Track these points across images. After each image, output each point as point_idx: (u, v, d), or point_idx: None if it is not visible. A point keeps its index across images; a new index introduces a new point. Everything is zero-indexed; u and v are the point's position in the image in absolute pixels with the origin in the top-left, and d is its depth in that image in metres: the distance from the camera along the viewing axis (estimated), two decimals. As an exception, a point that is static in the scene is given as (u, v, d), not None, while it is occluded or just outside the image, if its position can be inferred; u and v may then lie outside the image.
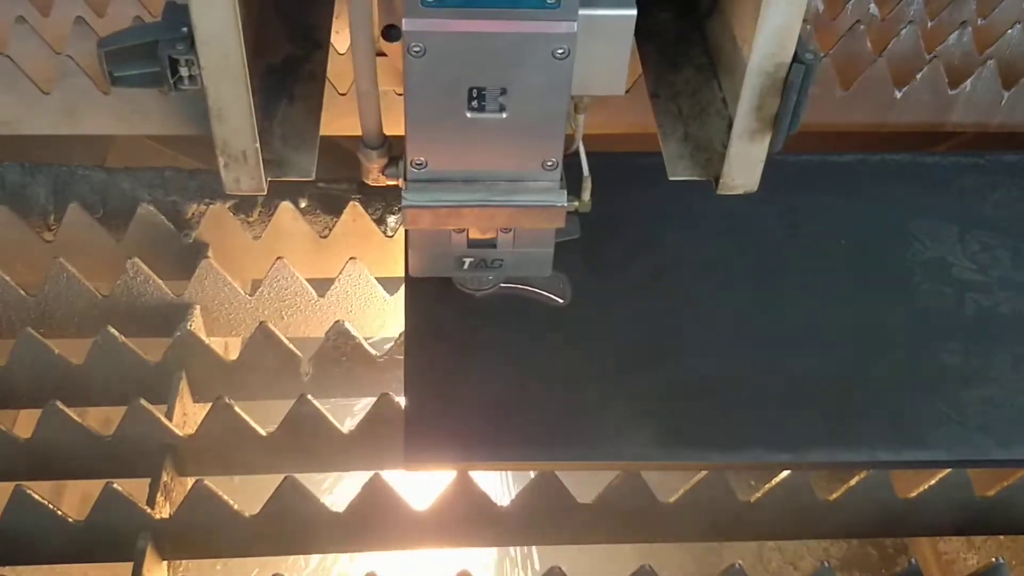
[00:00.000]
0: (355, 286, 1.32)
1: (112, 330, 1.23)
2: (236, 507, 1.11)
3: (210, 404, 1.16)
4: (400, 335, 1.23)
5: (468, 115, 0.84)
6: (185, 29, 0.80)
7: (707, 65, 0.99)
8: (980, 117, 1.49)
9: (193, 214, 1.40)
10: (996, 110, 1.49)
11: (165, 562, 1.15)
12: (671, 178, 0.94)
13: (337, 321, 1.24)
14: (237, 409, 1.15)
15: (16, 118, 1.45)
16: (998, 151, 1.37)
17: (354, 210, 1.36)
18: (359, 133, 0.95)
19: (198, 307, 1.31)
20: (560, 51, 0.79)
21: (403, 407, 1.08)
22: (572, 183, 0.93)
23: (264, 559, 1.20)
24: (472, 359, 1.11)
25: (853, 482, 1.13)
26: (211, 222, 1.36)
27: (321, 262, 1.38)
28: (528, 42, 0.79)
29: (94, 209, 1.41)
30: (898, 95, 1.46)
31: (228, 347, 1.43)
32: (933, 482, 1.14)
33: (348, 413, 1.20)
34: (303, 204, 1.39)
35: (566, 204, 0.92)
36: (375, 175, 0.94)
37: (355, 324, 1.26)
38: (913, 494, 1.15)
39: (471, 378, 1.10)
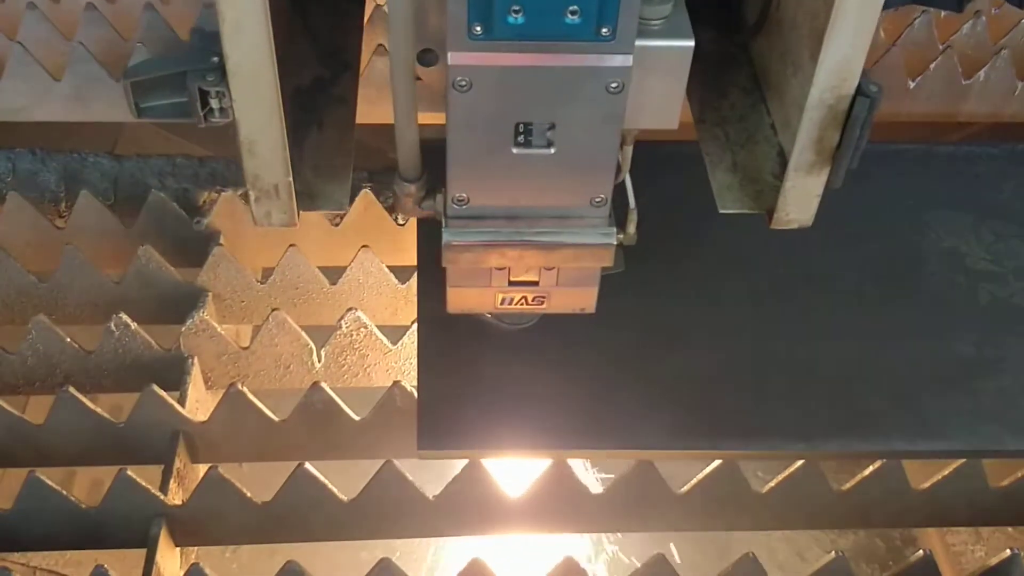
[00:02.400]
0: (367, 274, 1.32)
1: (124, 317, 1.23)
2: (249, 494, 1.11)
3: (223, 391, 1.16)
4: (413, 323, 1.23)
5: (514, 151, 0.80)
6: (216, 59, 0.76)
7: (753, 89, 0.95)
8: (994, 107, 1.49)
9: (204, 201, 1.40)
10: (1010, 100, 1.49)
11: (178, 549, 1.15)
12: (721, 211, 0.90)
13: (349, 309, 1.24)
14: (250, 396, 1.15)
15: (27, 105, 1.45)
16: (1012, 141, 1.37)
17: (366, 198, 1.36)
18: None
19: (210, 294, 1.30)
20: (614, 85, 0.75)
21: (416, 395, 1.08)
22: (616, 215, 0.89)
23: (275, 546, 1.20)
24: (486, 346, 1.10)
25: (867, 472, 1.13)
26: (223, 210, 1.36)
27: (333, 250, 1.38)
28: (581, 76, 0.75)
29: (105, 196, 1.41)
30: (911, 85, 1.45)
31: (240, 334, 1.42)
32: (947, 472, 1.14)
33: (360, 400, 1.20)
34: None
35: (615, 242, 0.88)
36: (410, 208, 0.89)
37: (367, 312, 1.26)
38: (926, 484, 1.15)
39: (485, 366, 1.09)
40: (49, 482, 1.09)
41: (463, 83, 0.75)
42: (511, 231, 0.86)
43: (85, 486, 1.51)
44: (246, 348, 1.27)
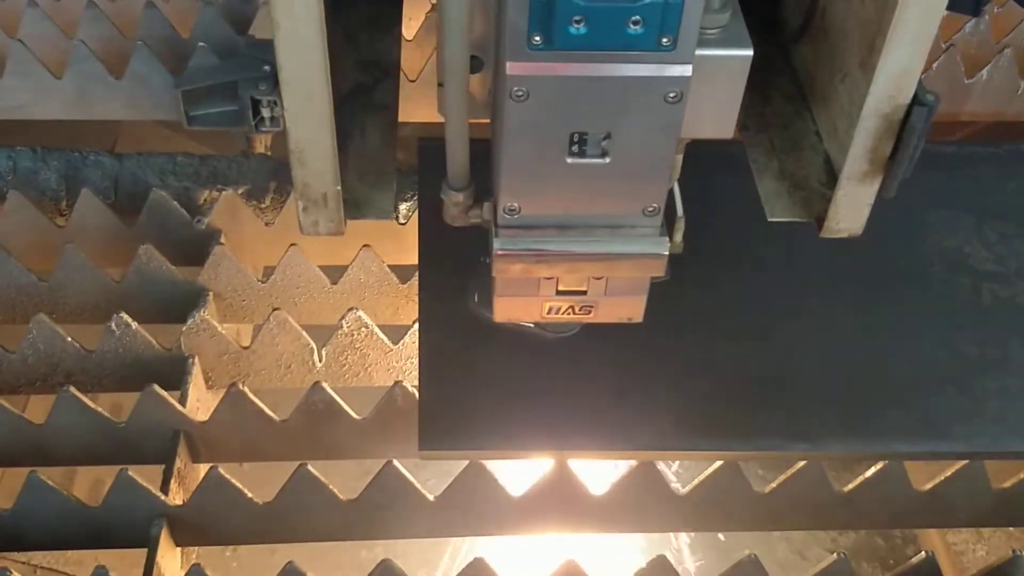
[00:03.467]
0: (368, 273, 1.32)
1: (125, 316, 1.22)
2: (250, 495, 1.10)
3: (223, 391, 1.16)
4: (414, 323, 1.23)
5: (568, 160, 0.79)
6: (267, 68, 0.76)
7: (797, 95, 0.94)
8: (996, 106, 1.49)
9: (205, 200, 1.40)
10: (1013, 99, 1.49)
11: (179, 549, 1.15)
12: (770, 219, 0.89)
13: (350, 308, 1.24)
14: (251, 395, 1.15)
15: (28, 103, 1.45)
16: (1015, 140, 1.37)
17: (367, 197, 1.35)
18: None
19: (211, 294, 1.30)
20: (672, 95, 0.74)
21: (417, 395, 1.08)
22: None
23: (276, 546, 1.20)
24: (487, 347, 1.10)
25: (868, 473, 1.12)
26: (223, 209, 1.36)
27: (334, 249, 1.38)
28: (640, 86, 0.74)
29: (106, 195, 1.40)
30: (914, 84, 1.45)
31: (240, 334, 1.42)
32: (949, 473, 1.14)
33: (361, 400, 1.20)
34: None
35: (667, 253, 0.86)
36: (457, 216, 0.88)
37: (368, 312, 1.26)
38: (929, 486, 1.14)
39: (486, 365, 1.09)
40: (49, 481, 1.09)
41: (520, 93, 0.74)
42: (563, 241, 0.85)
43: (86, 486, 1.51)
44: (247, 347, 1.27)
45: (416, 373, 1.10)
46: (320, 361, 1.28)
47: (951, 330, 1.15)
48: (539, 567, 1.08)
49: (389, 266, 1.32)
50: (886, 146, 0.82)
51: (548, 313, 0.95)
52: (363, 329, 1.25)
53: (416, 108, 1.46)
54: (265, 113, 0.80)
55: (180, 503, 1.12)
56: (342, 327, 1.25)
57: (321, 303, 1.34)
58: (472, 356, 1.10)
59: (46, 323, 1.22)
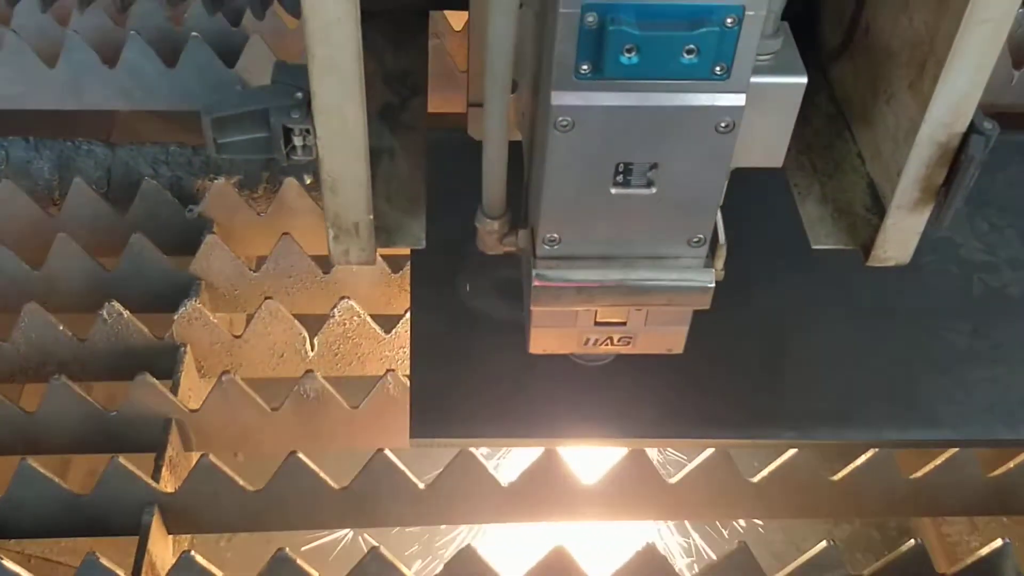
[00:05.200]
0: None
1: (117, 305, 1.22)
2: (241, 482, 1.11)
3: (215, 379, 1.16)
4: (406, 312, 1.23)
5: (612, 191, 0.75)
6: (300, 95, 0.73)
7: (836, 115, 0.90)
8: (990, 97, 1.47)
9: (198, 190, 1.40)
10: (1006, 90, 1.49)
11: (171, 537, 1.15)
12: (814, 247, 0.86)
13: (343, 298, 1.24)
14: (242, 384, 1.15)
15: (21, 92, 1.45)
16: (1008, 131, 1.36)
17: (360, 187, 1.35)
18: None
19: (203, 283, 1.30)
20: (724, 124, 0.71)
21: (409, 383, 1.08)
22: None
23: (270, 534, 1.21)
24: (479, 335, 1.10)
25: (859, 461, 1.13)
26: (215, 198, 1.36)
27: (326, 239, 1.38)
28: (691, 115, 0.71)
29: (98, 184, 1.40)
30: (907, 74, 1.44)
31: (233, 323, 1.42)
32: (939, 462, 1.14)
33: (353, 389, 1.20)
34: (308, 180, 1.38)
35: (713, 285, 0.83)
36: (493, 244, 0.85)
37: (360, 301, 1.26)
38: (919, 474, 1.15)
39: (478, 354, 1.09)
40: (41, 469, 1.09)
41: (565, 123, 0.71)
42: (604, 272, 0.82)
43: (80, 475, 1.51)
44: (239, 336, 1.27)
45: (408, 362, 1.10)
46: (312, 350, 1.28)
47: (942, 319, 1.15)
48: (529, 555, 1.08)
49: (381, 256, 1.32)
50: (939, 174, 0.78)
51: (586, 344, 0.92)
52: (355, 318, 1.25)
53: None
54: (297, 142, 0.77)
55: (172, 491, 1.12)
56: (334, 316, 1.25)
57: (313, 292, 1.34)
58: (463, 345, 1.10)
59: (38, 312, 1.22)
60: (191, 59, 1.45)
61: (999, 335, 1.14)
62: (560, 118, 0.70)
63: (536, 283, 0.82)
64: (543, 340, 0.94)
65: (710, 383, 1.09)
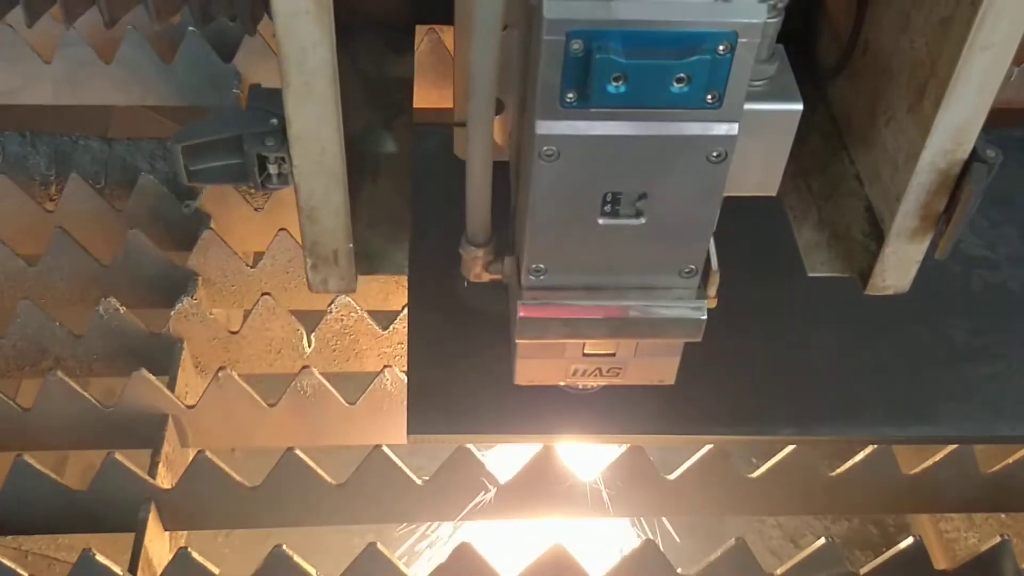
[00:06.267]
0: (358, 259, 1.32)
1: (113, 301, 1.22)
2: (238, 478, 1.10)
3: (212, 375, 1.16)
4: (403, 308, 1.23)
5: (600, 221, 0.73)
6: (275, 121, 0.71)
7: (833, 133, 0.87)
8: (989, 93, 1.48)
9: (194, 185, 1.39)
10: (1005, 86, 1.48)
11: (167, 533, 1.15)
12: (810, 275, 0.84)
13: (339, 293, 1.24)
14: (239, 380, 1.15)
15: (17, 87, 1.44)
16: (1006, 127, 1.36)
17: (357, 182, 1.35)
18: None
19: (200, 278, 1.30)
20: (716, 154, 0.68)
21: (406, 379, 1.08)
22: None
23: (267, 531, 1.20)
24: (477, 331, 1.10)
25: (858, 458, 1.12)
26: (212, 194, 1.35)
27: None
28: (681, 145, 0.68)
29: (95, 179, 1.40)
30: (907, 70, 1.44)
31: (230, 319, 1.42)
32: (938, 458, 1.14)
33: (350, 385, 1.20)
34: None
35: (705, 317, 0.80)
36: (477, 271, 0.82)
37: (358, 297, 1.26)
38: (917, 470, 1.15)
39: (476, 350, 1.09)
40: (37, 465, 1.09)
41: (550, 152, 0.68)
42: (592, 304, 0.79)
43: (77, 471, 1.51)
44: (236, 332, 1.26)
45: (405, 358, 1.10)
46: (309, 346, 1.28)
47: (941, 316, 1.15)
48: (526, 552, 1.07)
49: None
50: (939, 202, 0.76)
51: (574, 375, 0.90)
52: (352, 314, 1.25)
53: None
54: (272, 170, 0.73)
55: (168, 487, 1.11)
56: (331, 312, 1.25)
57: (311, 288, 1.34)
58: (461, 341, 1.10)
59: (34, 308, 1.22)
60: (188, 54, 1.45)
61: (998, 331, 1.14)
62: (545, 147, 0.68)
63: (521, 314, 0.79)
64: (530, 372, 0.91)
65: (709, 379, 1.09)
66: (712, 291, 0.81)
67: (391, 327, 1.27)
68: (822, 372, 1.10)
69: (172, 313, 1.24)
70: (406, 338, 1.12)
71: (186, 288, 1.27)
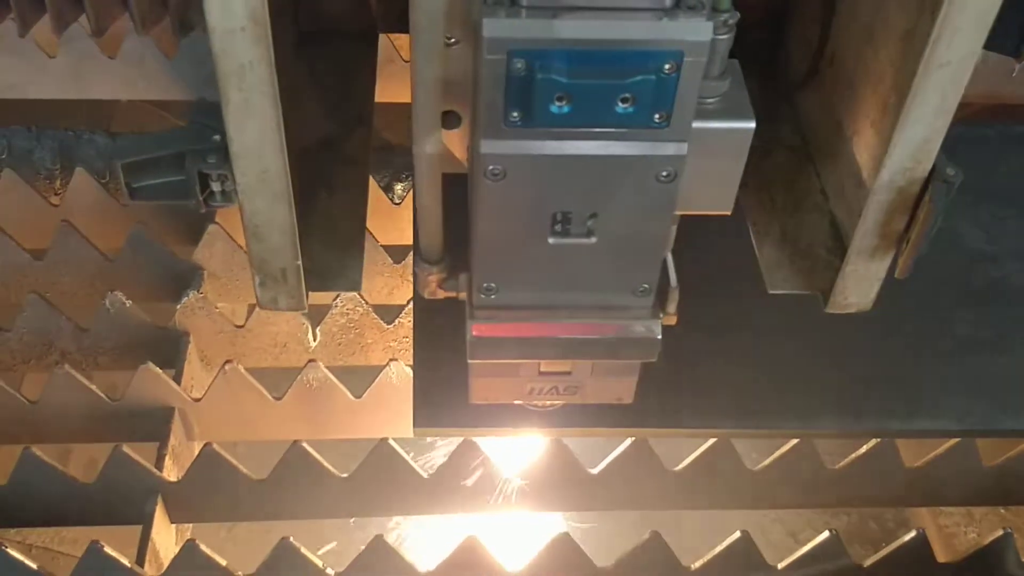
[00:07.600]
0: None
1: (120, 294, 1.22)
2: (244, 471, 1.11)
3: (218, 369, 1.16)
4: (409, 302, 1.23)
5: (551, 240, 0.71)
6: (217, 137, 0.69)
7: (800, 147, 0.86)
8: (991, 88, 1.49)
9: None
10: (1007, 81, 1.48)
11: (174, 526, 1.15)
12: (771, 291, 0.83)
13: (345, 287, 1.24)
14: (245, 373, 1.15)
15: (22, 82, 1.44)
16: (1009, 122, 1.37)
17: (362, 177, 1.35)
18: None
19: (206, 272, 1.30)
20: (665, 174, 0.67)
21: (412, 373, 1.08)
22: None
23: (272, 524, 1.21)
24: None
25: (861, 451, 1.13)
26: (218, 188, 1.35)
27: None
28: (629, 165, 0.67)
29: (100, 173, 1.40)
30: (909, 66, 1.45)
31: (236, 313, 1.42)
32: (940, 451, 1.14)
33: (356, 379, 1.21)
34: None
35: (660, 336, 0.79)
36: (432, 289, 0.81)
37: (363, 292, 1.26)
38: (920, 463, 1.15)
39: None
40: (44, 457, 1.09)
41: (496, 172, 0.66)
42: (545, 324, 0.78)
43: (83, 464, 1.51)
44: (242, 326, 1.27)
45: (411, 352, 1.10)
46: (315, 340, 1.28)
47: (944, 309, 1.16)
48: (532, 544, 1.08)
49: (383, 246, 1.32)
50: (900, 220, 0.75)
51: (531, 394, 0.89)
52: (358, 309, 1.25)
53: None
54: (215, 187, 0.70)
55: (175, 480, 1.12)
56: (337, 306, 1.25)
57: (316, 283, 1.34)
58: (466, 334, 1.10)
59: (40, 301, 1.22)
60: (191, 49, 1.45)
61: (1001, 325, 1.15)
62: (490, 167, 0.66)
63: (473, 333, 0.78)
64: (485, 390, 0.90)
65: (712, 374, 1.09)
66: (672, 308, 0.80)
67: (396, 321, 1.27)
68: (825, 366, 1.11)
69: (178, 307, 1.25)
70: (411, 332, 1.12)
71: (192, 282, 1.28)
